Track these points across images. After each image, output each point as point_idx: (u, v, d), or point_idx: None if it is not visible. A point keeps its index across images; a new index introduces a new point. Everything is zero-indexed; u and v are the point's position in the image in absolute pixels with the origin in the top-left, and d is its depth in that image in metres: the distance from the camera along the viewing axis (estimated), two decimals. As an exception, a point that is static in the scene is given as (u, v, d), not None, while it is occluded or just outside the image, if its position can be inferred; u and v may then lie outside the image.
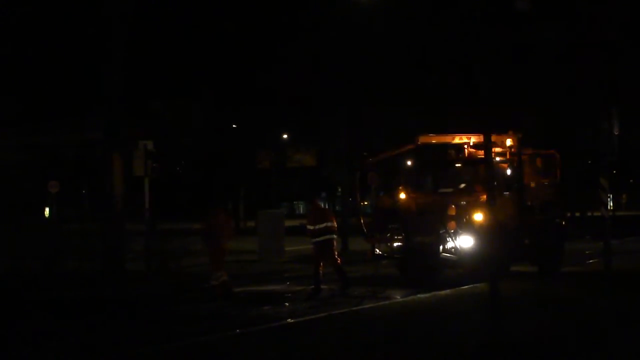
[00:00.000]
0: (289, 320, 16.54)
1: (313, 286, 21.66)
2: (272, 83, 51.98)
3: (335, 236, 22.02)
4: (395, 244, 23.39)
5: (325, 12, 40.81)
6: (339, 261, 21.93)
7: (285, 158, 62.67)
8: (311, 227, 21.87)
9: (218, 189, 63.41)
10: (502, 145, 23.91)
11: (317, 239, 21.84)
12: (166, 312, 18.90)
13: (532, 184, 25.12)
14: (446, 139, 25.33)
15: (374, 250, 24.48)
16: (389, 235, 23.72)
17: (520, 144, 24.09)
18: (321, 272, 21.68)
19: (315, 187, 68.88)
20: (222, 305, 19.40)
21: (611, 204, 52.07)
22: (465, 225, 22.34)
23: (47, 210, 44.31)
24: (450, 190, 24.27)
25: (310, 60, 45.79)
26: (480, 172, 23.08)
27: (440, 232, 22.58)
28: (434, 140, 25.43)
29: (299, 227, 36.47)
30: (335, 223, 22.01)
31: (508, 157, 24.02)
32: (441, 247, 22.64)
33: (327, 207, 22.93)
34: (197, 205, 47.06)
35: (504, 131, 24.10)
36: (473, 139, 24.52)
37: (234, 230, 21.67)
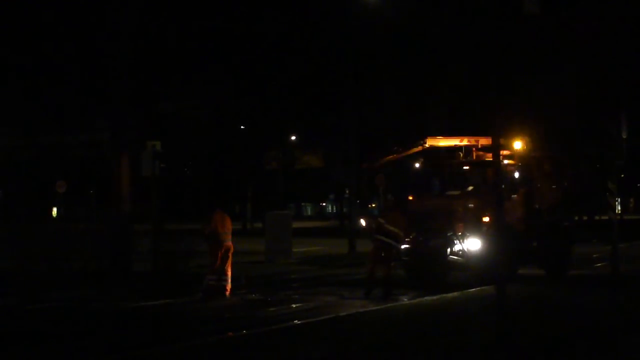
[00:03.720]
0: (295, 321, 16.52)
1: (384, 291, 20.98)
2: (281, 84, 52.05)
3: (396, 244, 21.60)
4: (403, 246, 23.31)
5: (335, 13, 40.84)
6: (387, 272, 21.29)
7: (293, 159, 62.66)
8: (382, 221, 21.37)
9: (221, 190, 63.46)
10: (511, 148, 23.85)
11: (379, 237, 21.40)
12: (172, 312, 18.88)
13: (540, 187, 25.07)
14: (454, 141, 25.29)
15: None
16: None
17: (528, 147, 24.03)
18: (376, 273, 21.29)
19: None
20: (228, 306, 19.40)
21: (619, 208, 52.01)
22: (473, 227, 22.29)
23: (54, 209, 44.37)
24: (457, 192, 24.22)
25: (319, 61, 45.83)
26: (488, 174, 23.02)
27: (448, 234, 22.54)
28: (442, 142, 25.38)
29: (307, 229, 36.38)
30: (401, 232, 21.60)
31: (516, 160, 23.96)
32: (449, 250, 22.61)
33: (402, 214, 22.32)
34: (204, 206, 47.08)
35: (512, 134, 24.04)
36: (481, 142, 24.46)
37: (238, 231, 21.68)
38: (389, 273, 21.31)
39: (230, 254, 21.22)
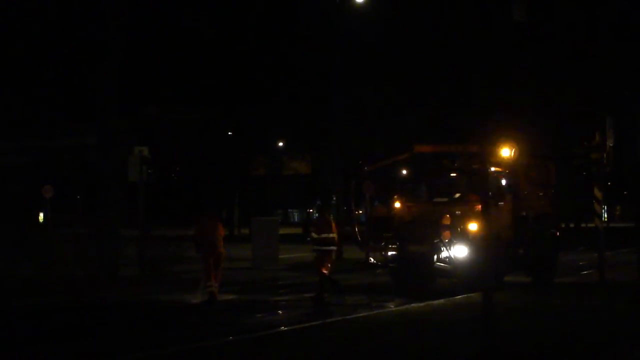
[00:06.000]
0: (282, 328, 16.50)
1: (316, 294, 21.19)
2: (268, 90, 52.04)
3: (334, 247, 21.89)
4: (390, 253, 23.32)
5: (324, 20, 40.90)
6: (326, 273, 21.47)
7: (280, 165, 62.67)
8: (315, 236, 21.77)
9: (210, 195, 63.42)
10: (498, 155, 23.87)
11: (318, 248, 21.68)
12: (159, 318, 18.85)
13: (527, 194, 25.11)
14: (442, 148, 25.31)
15: (369, 259, 24.47)
16: (383, 244, 23.66)
17: (515, 154, 24.05)
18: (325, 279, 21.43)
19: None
20: (216, 312, 19.36)
21: (605, 216, 52.20)
22: (460, 234, 22.30)
23: (41, 215, 44.20)
24: (445, 199, 24.23)
25: (307, 67, 45.87)
26: (476, 182, 23.02)
27: (435, 241, 22.55)
28: (430, 149, 25.40)
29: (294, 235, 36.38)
30: (336, 234, 21.81)
31: (504, 167, 23.99)
32: (435, 257, 22.60)
33: (332, 218, 22.66)
34: (191, 212, 47.01)
35: (499, 141, 24.05)
36: (469, 149, 24.48)
37: (225, 236, 21.71)
38: (324, 279, 21.30)
39: (221, 261, 21.18)
